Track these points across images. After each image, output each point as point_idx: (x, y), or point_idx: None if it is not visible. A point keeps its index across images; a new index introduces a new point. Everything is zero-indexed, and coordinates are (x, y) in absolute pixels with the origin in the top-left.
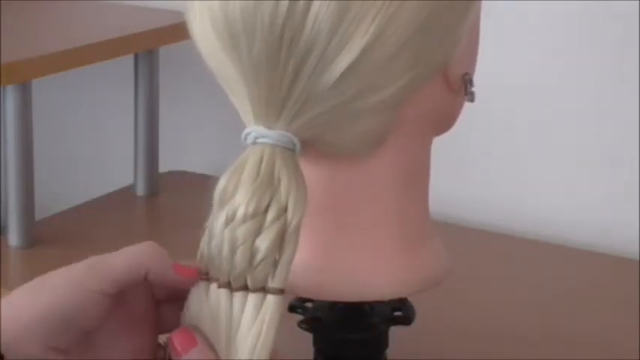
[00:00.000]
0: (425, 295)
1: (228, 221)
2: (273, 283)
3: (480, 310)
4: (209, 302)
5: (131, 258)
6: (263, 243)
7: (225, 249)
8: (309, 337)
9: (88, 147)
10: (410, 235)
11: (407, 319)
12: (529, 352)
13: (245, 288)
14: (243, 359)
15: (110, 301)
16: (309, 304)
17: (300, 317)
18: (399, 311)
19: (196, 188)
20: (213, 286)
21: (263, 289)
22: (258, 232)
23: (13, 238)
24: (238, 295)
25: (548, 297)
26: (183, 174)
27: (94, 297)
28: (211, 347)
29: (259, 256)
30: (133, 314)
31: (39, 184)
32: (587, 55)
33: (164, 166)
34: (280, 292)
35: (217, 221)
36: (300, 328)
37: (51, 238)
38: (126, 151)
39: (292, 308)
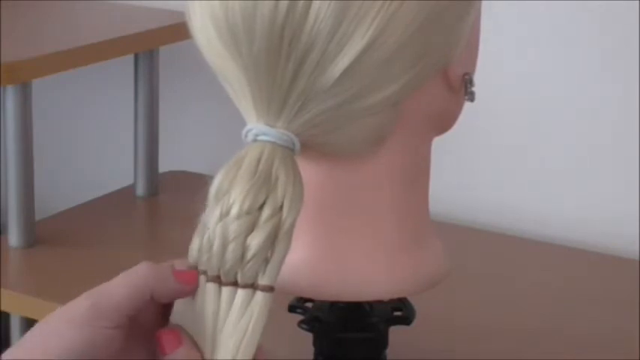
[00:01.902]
0: (425, 295)
1: (222, 216)
2: (263, 280)
3: (480, 310)
4: (196, 295)
5: (132, 286)
6: (255, 240)
7: (217, 244)
8: (309, 337)
9: (88, 147)
10: (410, 235)
11: (407, 319)
12: (529, 351)
13: (234, 283)
14: (228, 356)
15: (123, 331)
16: (309, 304)
17: (300, 317)
18: (399, 311)
19: (196, 188)
20: (202, 279)
21: (252, 286)
22: (250, 229)
23: (13, 238)
24: (227, 290)
25: (548, 297)
26: (183, 174)
27: (105, 333)
28: (196, 347)
29: (250, 253)
30: (148, 330)
31: (39, 184)
32: (588, 56)
33: (164, 166)
34: (270, 289)
35: (212, 216)
36: (300, 328)
37: (51, 238)
38: (126, 151)
39: (292, 308)
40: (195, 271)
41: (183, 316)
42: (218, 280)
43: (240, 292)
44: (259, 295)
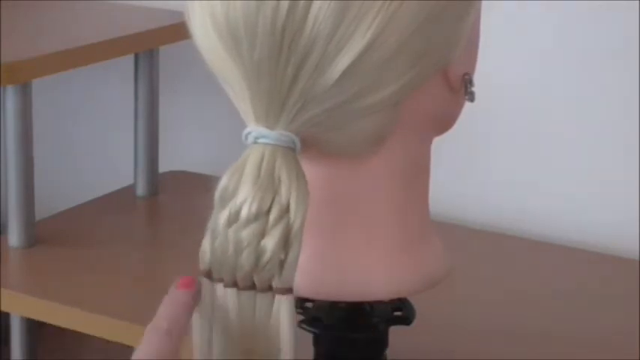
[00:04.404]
0: (425, 295)
1: (231, 221)
2: (281, 283)
3: (479, 310)
4: (217, 302)
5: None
6: (268, 244)
7: (231, 249)
8: (309, 337)
9: (88, 147)
10: (410, 235)
11: (407, 319)
12: (529, 352)
13: (252, 287)
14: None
15: None
16: (309, 304)
17: (300, 317)
18: (399, 311)
19: (196, 188)
20: (220, 286)
21: (271, 289)
22: (262, 233)
23: (13, 238)
24: (246, 295)
25: (548, 297)
26: (183, 174)
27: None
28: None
29: (266, 257)
30: None
31: (39, 184)
32: (588, 55)
33: (164, 166)
34: (289, 291)
35: (219, 220)
36: (300, 328)
37: (51, 238)
38: (126, 151)
39: None
40: (191, 278)
41: (209, 321)
42: (235, 286)
43: (260, 296)
44: (283, 299)
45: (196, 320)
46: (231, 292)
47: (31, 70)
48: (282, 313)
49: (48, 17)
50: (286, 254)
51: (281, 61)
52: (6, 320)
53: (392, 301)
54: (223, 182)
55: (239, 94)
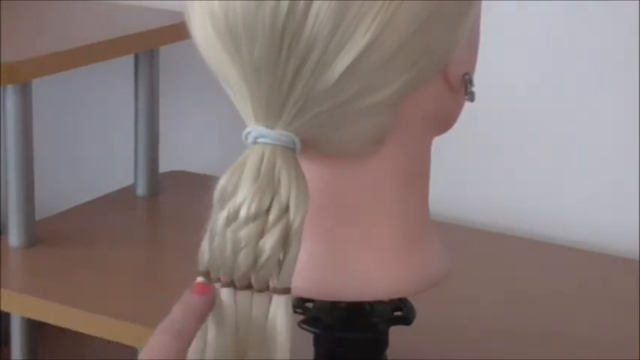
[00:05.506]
0: (425, 295)
1: (230, 221)
2: (279, 283)
3: (479, 310)
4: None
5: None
6: (267, 244)
7: (228, 249)
8: (309, 337)
9: (89, 147)
10: (410, 235)
11: (407, 319)
12: (529, 352)
13: (249, 287)
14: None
15: None
16: (309, 304)
17: (300, 317)
18: (399, 311)
19: (196, 188)
20: (217, 286)
21: (268, 289)
22: (261, 233)
23: (13, 238)
24: (243, 295)
25: (548, 297)
26: (183, 174)
27: None
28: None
29: (263, 258)
30: None
31: (39, 184)
32: (588, 55)
33: (164, 166)
34: (287, 291)
35: (218, 220)
36: (301, 328)
37: (51, 238)
38: (126, 151)
39: (292, 308)
40: (207, 286)
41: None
42: (232, 285)
43: (257, 296)
44: (281, 299)
45: None
46: (228, 292)
47: (31, 70)
48: (279, 313)
49: (48, 17)
50: (285, 254)
51: (281, 61)
52: (6, 320)
53: (392, 301)
54: (222, 182)
55: (239, 94)
